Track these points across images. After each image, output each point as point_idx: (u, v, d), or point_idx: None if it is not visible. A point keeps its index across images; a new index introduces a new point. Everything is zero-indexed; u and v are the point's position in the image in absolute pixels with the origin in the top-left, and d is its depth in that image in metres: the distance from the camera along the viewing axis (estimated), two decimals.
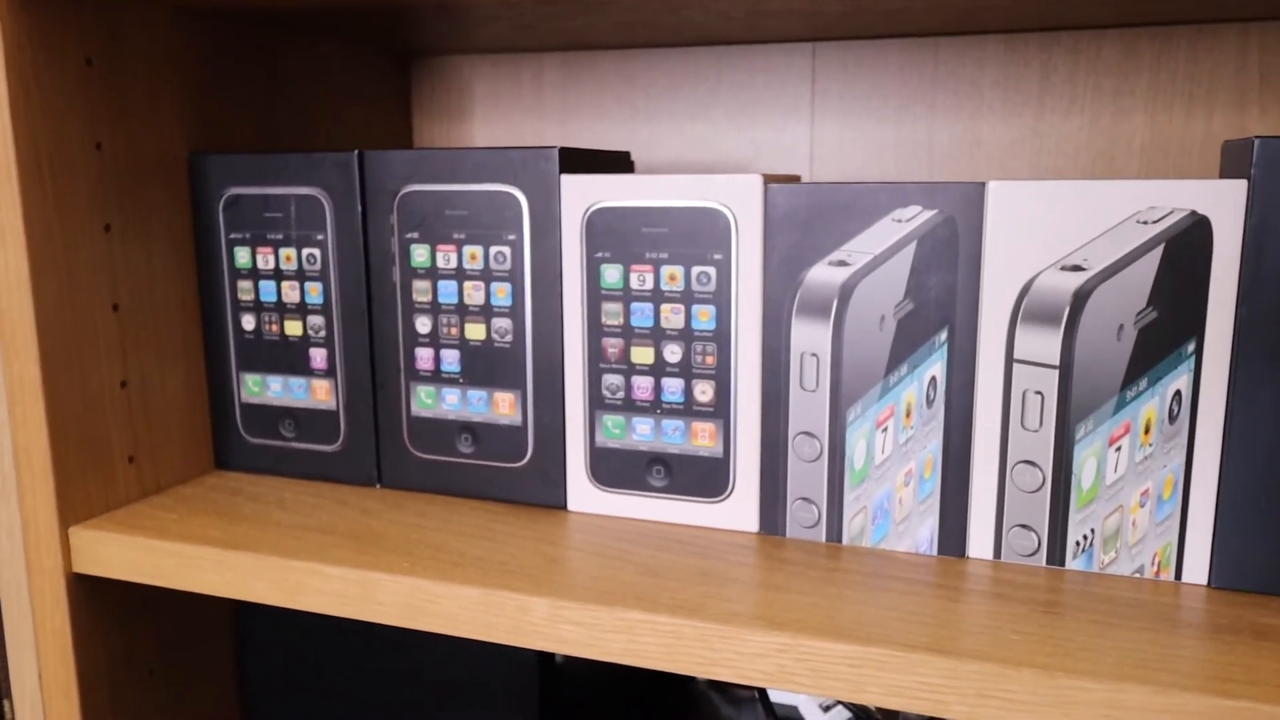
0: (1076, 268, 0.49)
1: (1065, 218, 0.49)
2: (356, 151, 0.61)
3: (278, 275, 0.64)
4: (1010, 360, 0.51)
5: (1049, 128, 0.74)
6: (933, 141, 0.76)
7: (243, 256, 0.65)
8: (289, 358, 0.65)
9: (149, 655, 0.64)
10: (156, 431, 0.63)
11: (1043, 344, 0.50)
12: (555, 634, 0.49)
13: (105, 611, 0.60)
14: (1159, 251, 0.48)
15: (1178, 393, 0.49)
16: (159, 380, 0.63)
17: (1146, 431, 0.50)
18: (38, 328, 0.55)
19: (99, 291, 0.59)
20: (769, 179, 0.54)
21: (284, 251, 0.64)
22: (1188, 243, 0.47)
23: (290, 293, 0.64)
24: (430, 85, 0.89)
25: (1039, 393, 0.50)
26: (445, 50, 0.86)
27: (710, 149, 0.82)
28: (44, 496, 0.57)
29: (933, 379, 0.52)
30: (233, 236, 0.65)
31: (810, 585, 0.50)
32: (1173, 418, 0.49)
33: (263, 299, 0.65)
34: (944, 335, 0.51)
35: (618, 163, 0.65)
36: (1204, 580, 0.50)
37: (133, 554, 0.56)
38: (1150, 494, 0.50)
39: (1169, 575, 0.51)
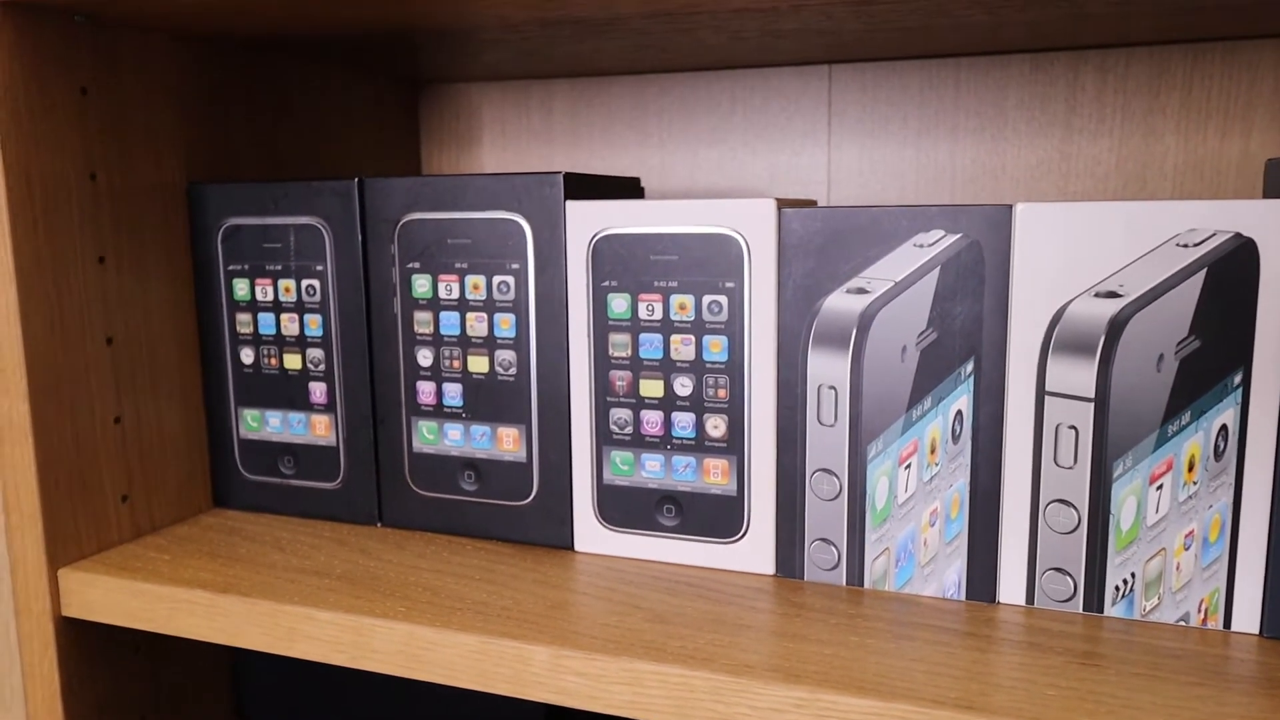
0: (1112, 294, 0.46)
1: (1099, 241, 0.46)
2: (356, 179, 0.59)
3: (277, 307, 0.62)
4: (1041, 393, 0.48)
5: (1076, 150, 0.71)
6: (955, 165, 0.74)
7: (241, 288, 0.63)
8: (288, 392, 0.63)
9: (142, 703, 0.61)
10: (151, 469, 0.61)
11: (1076, 375, 0.47)
12: (557, 685, 0.46)
13: (96, 657, 0.58)
14: (1201, 276, 0.45)
15: (1224, 427, 0.46)
16: (154, 416, 0.61)
17: (1190, 469, 0.46)
18: (27, 362, 0.53)
19: (92, 324, 0.57)
20: (783, 203, 0.51)
21: (283, 283, 0.61)
22: (1232, 267, 0.44)
23: (289, 325, 0.62)
24: (439, 112, 0.87)
25: (1073, 427, 0.47)
26: (453, 77, 0.84)
27: (725, 175, 0.79)
28: (32, 537, 0.54)
29: (958, 413, 0.49)
30: (231, 268, 0.63)
31: (830, 633, 0.47)
32: (1219, 454, 0.46)
33: (262, 331, 0.63)
34: (970, 366, 0.48)
35: (627, 188, 0.63)
36: (1255, 629, 0.47)
37: (122, 597, 0.54)
38: (1195, 536, 0.47)
39: (1217, 624, 0.47)
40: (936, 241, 0.48)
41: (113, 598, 0.54)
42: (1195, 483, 0.46)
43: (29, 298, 0.53)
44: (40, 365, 0.54)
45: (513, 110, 0.85)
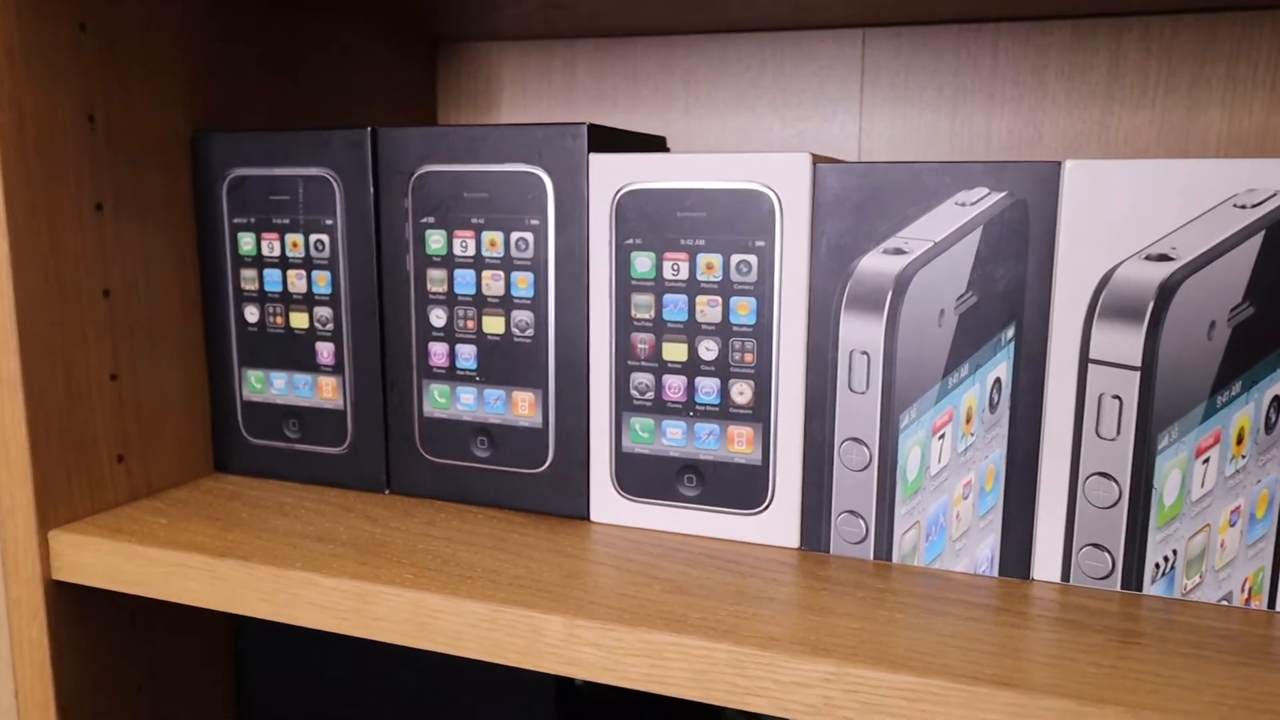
0: (1163, 257, 0.44)
1: (1151, 201, 0.43)
2: (369, 128, 0.57)
3: (284, 263, 0.60)
4: (1085, 360, 0.45)
5: (1117, 121, 0.69)
6: (990, 134, 0.71)
7: (247, 242, 0.60)
8: (294, 352, 0.60)
9: (137, 671, 0.59)
10: (149, 429, 0.59)
11: (1123, 342, 0.44)
12: (571, 656, 0.44)
13: (88, 623, 0.56)
14: (1258, 240, 0.42)
15: (1275, 399, 0.43)
16: (153, 374, 0.59)
17: (1239, 442, 0.44)
18: (18, 314, 0.51)
19: (88, 276, 0.54)
20: (818, 159, 0.49)
21: (290, 237, 0.59)
22: None
23: (297, 282, 0.59)
24: (456, 72, 0.85)
25: (1117, 397, 0.45)
26: (473, 35, 0.82)
27: (752, 141, 0.77)
28: (22, 497, 0.52)
29: (997, 381, 0.47)
30: (236, 221, 0.60)
31: (858, 607, 0.44)
32: (1269, 426, 0.43)
33: (267, 288, 0.60)
34: (1010, 332, 0.46)
35: (653, 146, 0.60)
36: None
37: (114, 560, 0.52)
38: (1242, 512, 0.44)
39: (1261, 604, 0.45)
40: (979, 200, 0.46)
41: (106, 561, 0.52)
42: (1244, 456, 0.44)
43: (22, 244, 0.51)
44: (33, 317, 0.51)
45: (534, 71, 0.82)
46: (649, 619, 0.43)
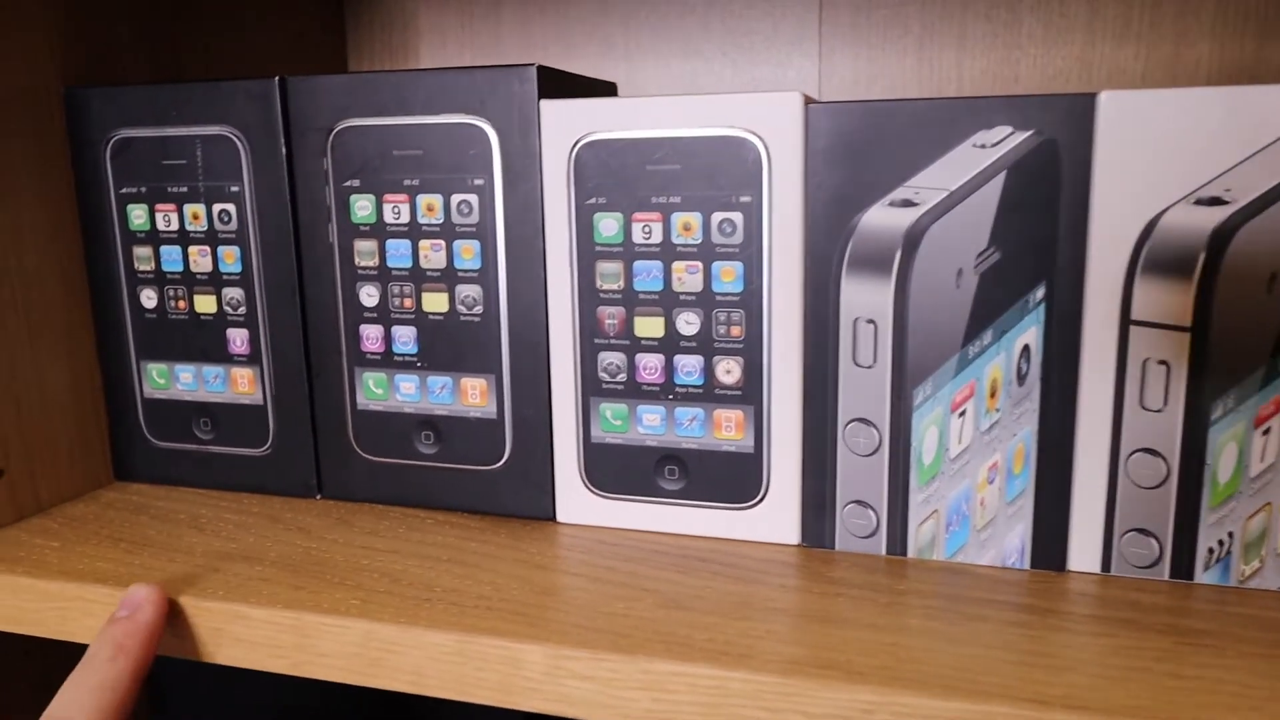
0: (1216, 200, 0.38)
1: (1200, 137, 0.38)
2: (277, 78, 0.48)
3: (183, 238, 0.51)
4: (1126, 322, 0.40)
5: (1099, 58, 0.63)
6: (962, 77, 0.66)
7: (138, 216, 0.52)
8: (201, 341, 0.52)
9: (36, 712, 0.51)
10: (34, 437, 0.50)
11: (1170, 300, 0.39)
12: (558, 692, 0.37)
13: None
14: None
15: None
16: (35, 373, 0.50)
17: None
18: None
19: None
20: (810, 99, 0.42)
21: (190, 208, 0.51)
22: None
23: (200, 260, 0.51)
24: (367, 22, 0.76)
25: (1163, 363, 0.40)
26: None
27: (701, 90, 0.70)
28: None
29: (1025, 348, 0.41)
30: (124, 191, 0.52)
31: (883, 616, 0.39)
32: None
33: (165, 269, 0.52)
34: (1040, 292, 0.40)
35: (602, 94, 0.53)
36: None
37: (1, 597, 0.44)
38: None
39: None
40: (1001, 141, 0.40)
41: None
42: None
43: None
44: None
45: (453, 18, 0.74)
46: (647, 643, 0.37)
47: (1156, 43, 0.62)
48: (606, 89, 0.55)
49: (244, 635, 0.40)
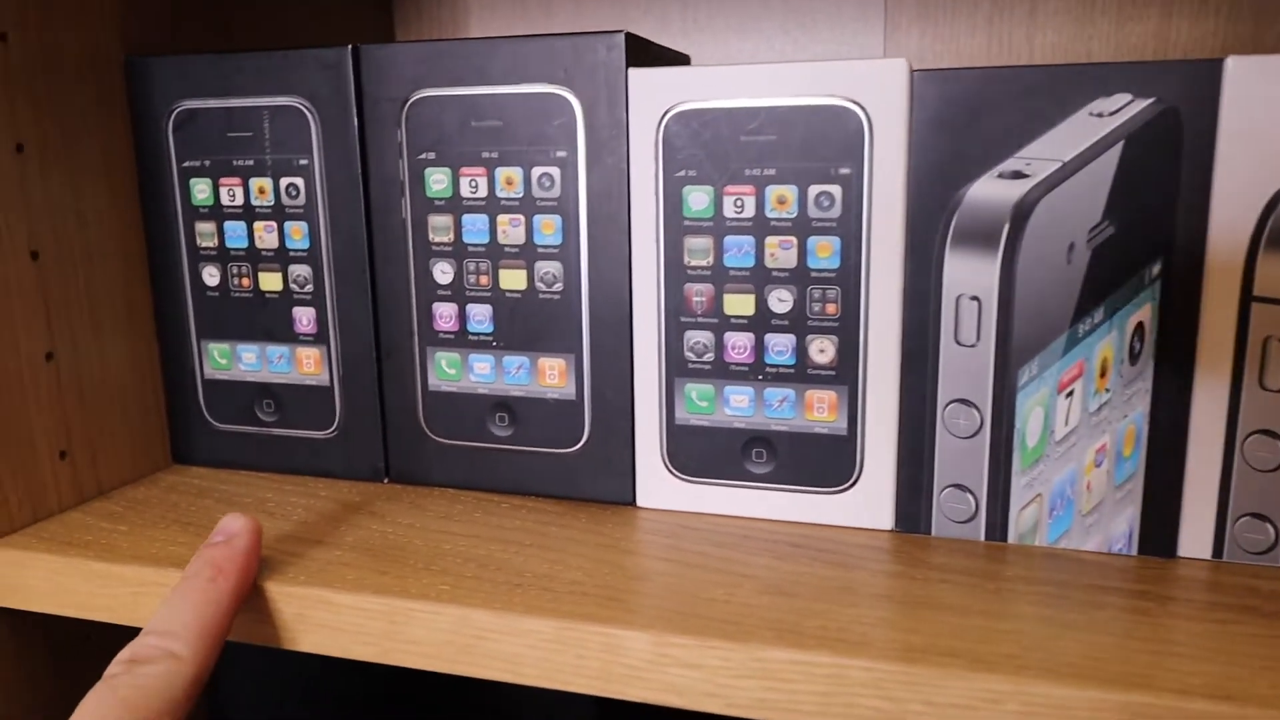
0: None
1: None
2: (350, 46, 0.47)
3: (248, 214, 0.50)
4: (1248, 298, 0.38)
5: (1176, 33, 0.62)
6: (1033, 53, 0.64)
7: (201, 190, 0.50)
8: (265, 320, 0.51)
9: None
10: (95, 418, 0.49)
11: None
12: (663, 680, 0.36)
13: (32, 654, 0.46)
14: None
15: None
16: (96, 352, 0.49)
17: None
18: None
19: (11, 233, 0.44)
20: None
21: (256, 182, 0.49)
22: None
23: (266, 236, 0.50)
24: None
25: None
26: None
27: None
28: None
29: (1139, 326, 0.39)
30: (187, 164, 0.50)
31: (994, 603, 0.37)
32: None
33: (229, 245, 0.50)
34: (1157, 268, 0.39)
35: (676, 64, 0.52)
36: None
37: (69, 581, 0.42)
38: None
39: None
40: (1121, 109, 0.38)
41: (58, 581, 0.42)
42: None
43: None
44: None
45: None
46: (756, 631, 0.35)
47: (1236, 18, 0.61)
48: (679, 59, 0.53)
49: (329, 621, 0.39)
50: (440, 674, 0.62)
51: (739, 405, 0.45)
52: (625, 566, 0.41)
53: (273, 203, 0.49)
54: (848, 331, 0.43)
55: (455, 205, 0.46)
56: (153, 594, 0.41)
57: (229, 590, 0.37)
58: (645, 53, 0.46)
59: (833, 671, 0.34)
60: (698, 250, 0.44)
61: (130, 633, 0.44)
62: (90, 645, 0.49)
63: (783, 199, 0.42)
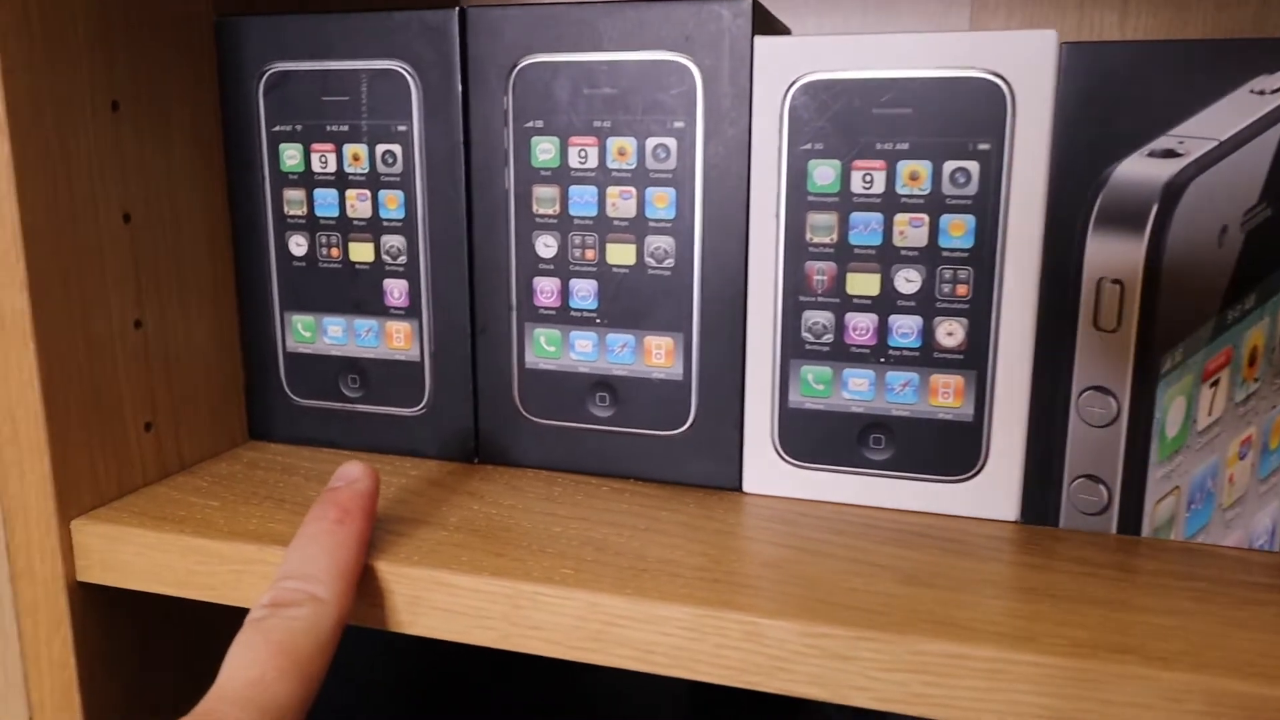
0: None
1: None
2: (457, 7, 0.45)
3: (341, 181, 0.48)
4: None
5: (1277, 17, 0.60)
6: (1125, 36, 0.62)
7: (291, 156, 0.48)
8: (354, 292, 0.49)
9: (190, 691, 0.48)
10: (180, 389, 0.47)
11: None
12: (810, 673, 0.34)
13: (121, 632, 0.44)
14: None
15: None
16: (182, 321, 0.47)
17: None
18: (25, 237, 0.39)
19: (105, 193, 0.42)
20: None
21: (350, 149, 0.47)
22: None
23: (359, 205, 0.48)
24: None
25: None
26: None
27: None
28: (36, 476, 0.40)
29: None
30: (277, 129, 0.48)
31: (1149, 598, 0.36)
32: None
33: (319, 214, 0.49)
34: None
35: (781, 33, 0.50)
36: None
37: (165, 557, 0.40)
38: None
39: None
40: None
41: (152, 557, 0.40)
42: None
43: (26, 147, 0.38)
44: (43, 242, 0.39)
45: None
46: (910, 622, 0.34)
47: None
48: (783, 30, 0.51)
49: (446, 604, 0.37)
50: (501, 664, 0.60)
51: (858, 389, 0.43)
52: (749, 553, 0.39)
53: (367, 170, 0.47)
54: (979, 314, 0.41)
55: (562, 176, 0.45)
56: (256, 573, 0.39)
57: (356, 532, 0.36)
58: (764, 21, 0.44)
59: (997, 667, 0.32)
60: (821, 227, 0.42)
61: (220, 612, 0.43)
62: (171, 620, 0.47)
63: (915, 174, 0.41)
